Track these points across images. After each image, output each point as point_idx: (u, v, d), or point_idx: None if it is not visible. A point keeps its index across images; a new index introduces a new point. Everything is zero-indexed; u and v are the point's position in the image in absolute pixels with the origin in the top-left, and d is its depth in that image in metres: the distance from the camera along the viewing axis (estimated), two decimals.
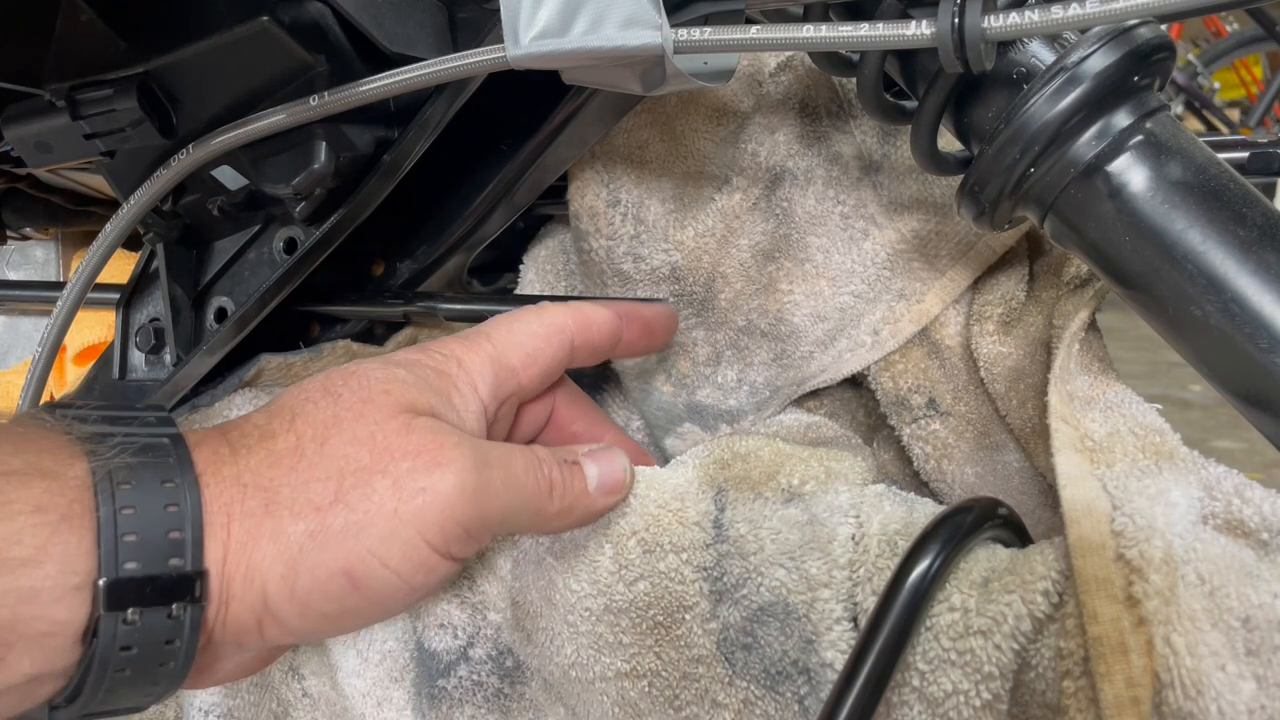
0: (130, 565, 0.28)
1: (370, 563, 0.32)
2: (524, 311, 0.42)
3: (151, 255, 0.57)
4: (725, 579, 0.39)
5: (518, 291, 0.62)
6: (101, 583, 0.28)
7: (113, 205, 0.51)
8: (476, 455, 0.34)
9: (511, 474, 0.36)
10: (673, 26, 0.36)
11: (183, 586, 0.29)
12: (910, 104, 0.43)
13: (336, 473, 0.32)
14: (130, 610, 0.28)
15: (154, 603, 0.29)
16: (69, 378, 0.84)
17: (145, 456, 0.30)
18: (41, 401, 0.56)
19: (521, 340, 0.40)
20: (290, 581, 0.31)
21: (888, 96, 0.42)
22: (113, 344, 0.58)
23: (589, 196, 0.54)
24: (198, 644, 0.30)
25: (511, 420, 0.42)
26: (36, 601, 0.27)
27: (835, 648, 0.37)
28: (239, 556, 0.31)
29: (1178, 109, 2.97)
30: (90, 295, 0.54)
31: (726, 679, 0.39)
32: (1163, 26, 0.36)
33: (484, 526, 0.34)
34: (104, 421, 0.31)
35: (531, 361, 0.40)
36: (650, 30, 0.35)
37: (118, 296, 0.58)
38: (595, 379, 0.61)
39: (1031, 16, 0.32)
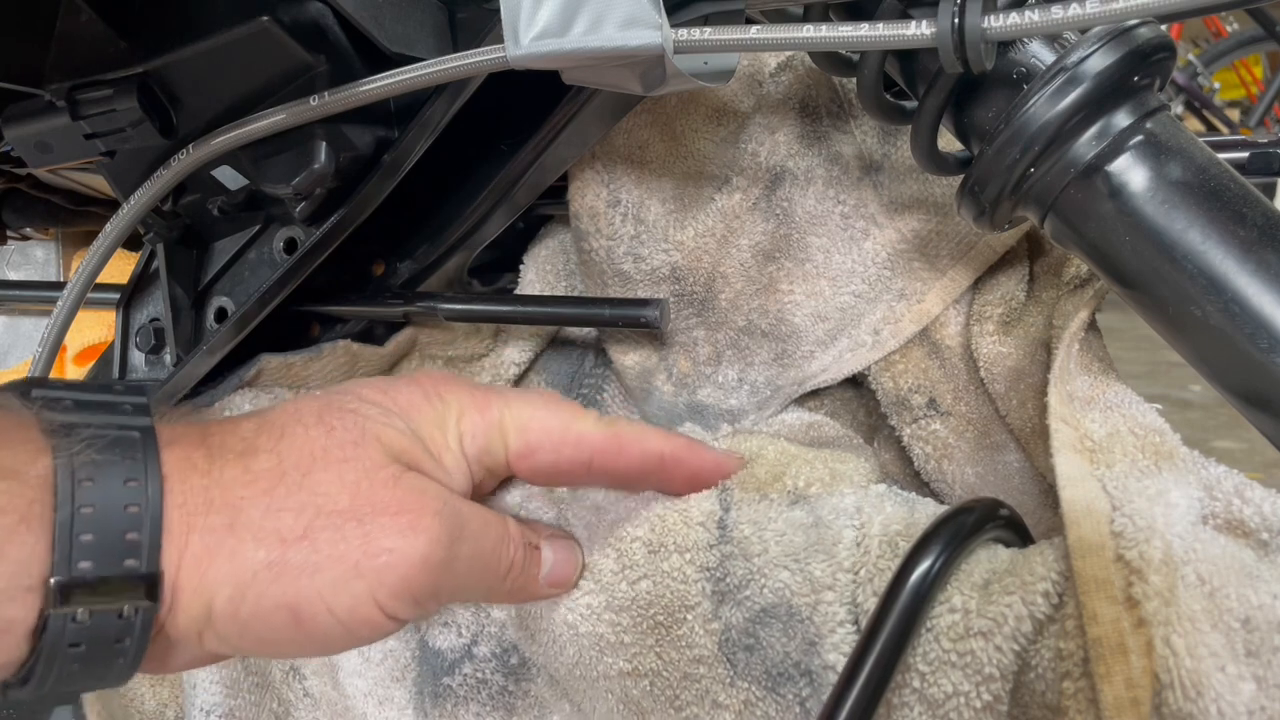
0: (84, 564, 0.28)
1: (317, 605, 0.32)
2: (559, 404, 0.39)
3: (151, 255, 0.57)
4: (728, 580, 0.39)
5: (518, 291, 0.62)
6: (53, 581, 0.28)
7: (113, 205, 0.51)
8: (453, 528, 0.34)
9: (479, 551, 0.35)
10: (673, 26, 0.36)
11: (135, 587, 0.29)
12: (910, 104, 0.43)
13: (312, 509, 0.32)
14: (80, 609, 0.28)
15: (105, 602, 0.29)
16: (69, 378, 0.84)
17: (111, 453, 0.30)
18: None
19: (531, 429, 0.38)
20: (235, 604, 0.31)
21: (888, 96, 0.42)
22: (113, 344, 0.58)
23: (589, 196, 0.54)
24: (147, 642, 0.30)
25: (500, 480, 0.41)
26: None
27: (838, 650, 0.37)
28: (193, 568, 0.31)
29: (1178, 109, 2.97)
30: (90, 295, 0.54)
31: (728, 680, 0.39)
32: (1162, 26, 0.36)
33: (434, 599, 0.34)
34: (77, 408, 0.30)
35: (526, 455, 0.38)
36: (650, 30, 0.35)
37: (118, 296, 0.58)
38: (597, 379, 0.61)
39: (1031, 16, 0.32)
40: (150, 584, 0.30)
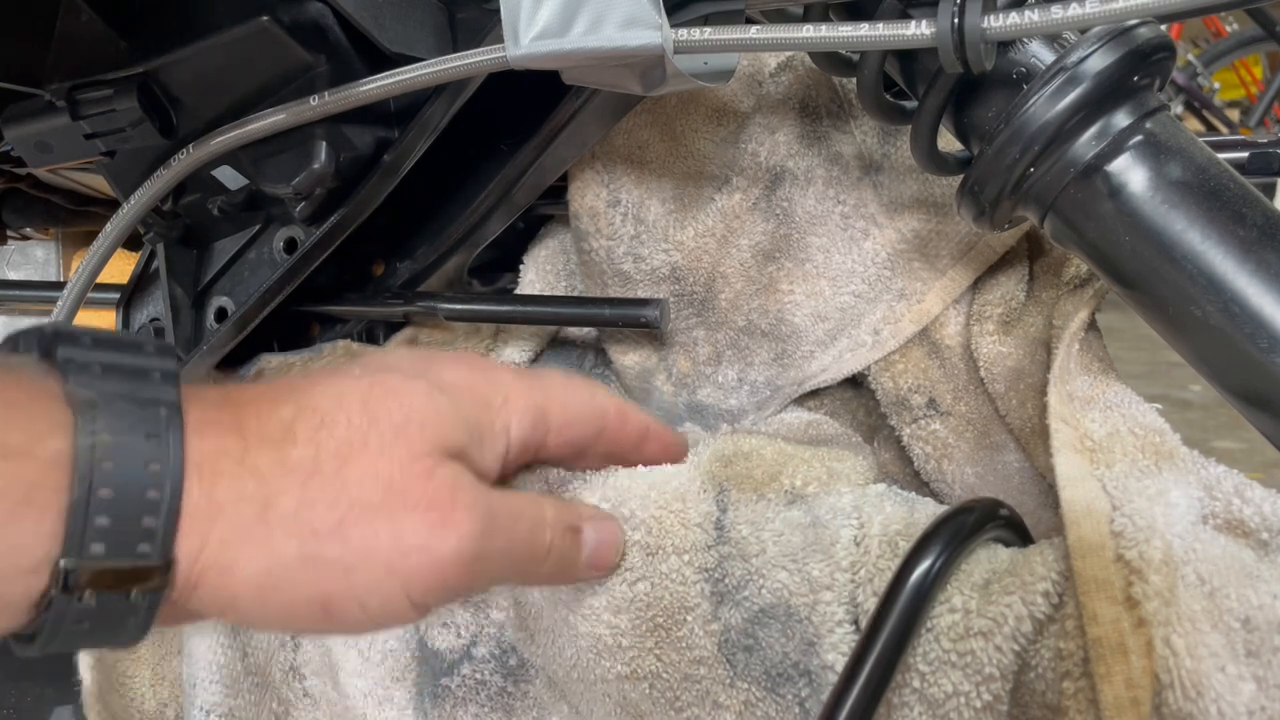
0: (96, 548, 0.28)
1: (348, 601, 0.32)
2: (579, 380, 0.42)
3: (151, 255, 0.57)
4: (726, 580, 0.39)
5: (518, 291, 0.62)
6: (61, 564, 0.27)
7: (113, 205, 0.51)
8: (485, 521, 0.34)
9: (513, 541, 0.35)
10: (673, 26, 0.36)
11: (145, 575, 0.29)
12: (910, 104, 0.43)
13: (346, 502, 0.32)
14: (87, 592, 0.28)
15: (113, 588, 0.28)
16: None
17: (135, 435, 0.29)
18: None
19: (569, 403, 0.40)
20: (265, 593, 0.31)
21: (888, 96, 0.42)
22: None
23: (589, 197, 0.54)
24: (154, 618, 0.30)
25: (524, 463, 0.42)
26: None
27: (837, 650, 0.37)
28: (218, 552, 0.30)
29: (1178, 109, 2.97)
30: (90, 295, 0.54)
31: (728, 680, 0.39)
32: (1162, 26, 0.36)
33: (468, 590, 0.34)
34: (104, 374, 0.29)
35: (566, 427, 0.40)
36: (650, 30, 0.35)
37: (118, 296, 0.58)
38: (597, 379, 0.61)
39: (1031, 16, 0.32)
40: (160, 572, 0.29)
